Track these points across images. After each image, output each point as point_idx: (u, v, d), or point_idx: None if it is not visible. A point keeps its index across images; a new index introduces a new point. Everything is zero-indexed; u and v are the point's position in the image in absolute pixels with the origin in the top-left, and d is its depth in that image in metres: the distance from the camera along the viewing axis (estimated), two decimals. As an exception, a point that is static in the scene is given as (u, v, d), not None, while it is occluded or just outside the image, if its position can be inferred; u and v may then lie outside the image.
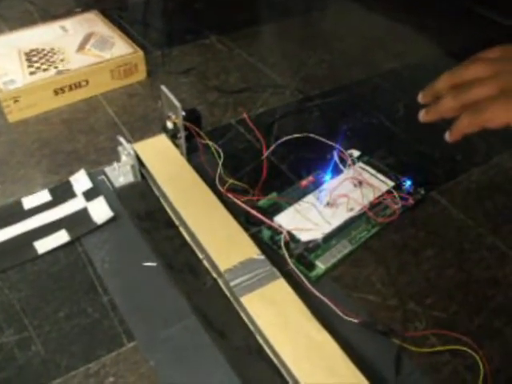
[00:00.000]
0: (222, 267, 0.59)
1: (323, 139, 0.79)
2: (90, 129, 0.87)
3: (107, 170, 0.77)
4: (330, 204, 0.71)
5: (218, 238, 0.62)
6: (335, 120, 0.88)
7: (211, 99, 0.93)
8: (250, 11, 1.26)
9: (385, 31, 1.14)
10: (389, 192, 0.73)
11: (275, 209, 0.71)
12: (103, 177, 0.76)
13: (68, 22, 1.06)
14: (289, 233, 0.66)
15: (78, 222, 0.69)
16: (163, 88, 0.74)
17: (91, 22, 1.06)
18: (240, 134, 0.84)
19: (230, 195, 0.69)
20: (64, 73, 0.91)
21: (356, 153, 0.80)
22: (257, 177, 0.74)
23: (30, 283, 0.63)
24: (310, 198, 0.72)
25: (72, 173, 0.77)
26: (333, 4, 1.28)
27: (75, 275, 0.64)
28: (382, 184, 0.74)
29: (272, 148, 0.78)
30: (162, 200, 0.71)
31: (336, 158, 0.77)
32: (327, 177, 0.75)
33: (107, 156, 0.81)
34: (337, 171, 0.76)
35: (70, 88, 0.91)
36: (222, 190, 0.70)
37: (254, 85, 0.96)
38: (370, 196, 0.72)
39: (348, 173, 0.76)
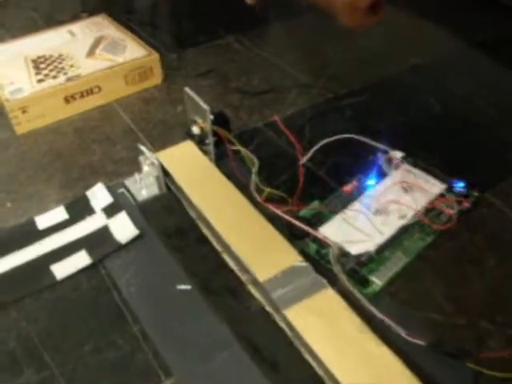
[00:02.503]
0: (261, 277, 0.52)
1: (367, 140, 0.71)
2: (106, 138, 0.80)
3: (128, 182, 0.69)
4: (379, 211, 0.63)
5: (257, 248, 0.55)
6: (369, 119, 0.80)
7: (235, 102, 0.86)
8: (262, 9, 1.19)
9: (406, 25, 1.07)
10: (441, 195, 0.66)
11: (319, 219, 0.63)
12: (123, 190, 0.69)
13: (76, 27, 1.00)
14: (338, 245, 0.59)
15: (99, 242, 0.62)
16: (187, 90, 0.67)
17: (100, 26, 0.99)
18: (270, 138, 0.77)
19: (269, 205, 0.62)
20: (74, 79, 0.84)
21: (399, 154, 0.72)
22: (294, 184, 0.66)
23: (49, 313, 0.56)
24: (356, 205, 0.65)
25: (88, 187, 0.70)
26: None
27: (99, 302, 0.56)
28: (432, 187, 0.67)
29: (311, 153, 0.70)
30: (192, 213, 0.63)
31: (381, 160, 0.70)
32: (372, 181, 0.68)
33: (126, 167, 0.74)
34: (381, 174, 0.69)
35: (82, 95, 0.84)
36: (259, 199, 0.62)
37: (278, 85, 0.89)
38: (422, 201, 0.65)
39: (395, 176, 0.68)
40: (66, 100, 0.83)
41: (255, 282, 0.53)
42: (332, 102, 0.84)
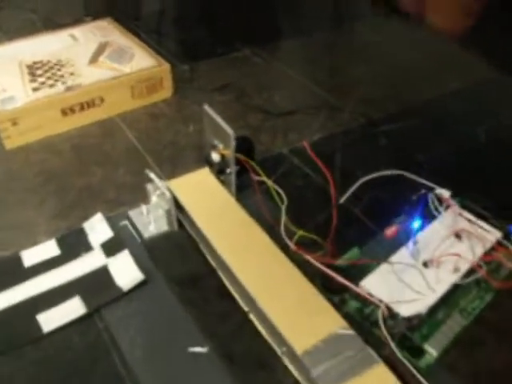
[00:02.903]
0: (298, 348, 0.42)
1: (412, 176, 0.62)
2: (107, 158, 0.70)
3: (132, 213, 0.59)
4: (429, 262, 0.54)
5: (291, 308, 0.45)
6: (408, 150, 0.71)
7: (254, 122, 0.76)
8: (278, 20, 1.10)
9: (437, 45, 0.98)
10: (499, 244, 0.56)
11: (359, 269, 0.53)
12: (127, 223, 0.59)
13: (78, 30, 0.90)
14: (386, 305, 0.49)
15: (96, 287, 0.52)
16: (207, 109, 0.57)
17: (105, 31, 0.90)
18: (296, 167, 0.67)
19: (302, 252, 0.51)
20: (74, 89, 0.74)
21: (446, 192, 0.62)
22: (328, 225, 0.56)
23: (29, 378, 0.45)
24: (401, 254, 0.55)
25: (86, 217, 0.60)
26: (368, 15, 1.12)
27: (95, 365, 0.46)
28: (487, 234, 0.57)
29: (349, 193, 0.61)
30: (209, 258, 0.53)
31: (426, 199, 0.60)
32: (417, 223, 0.58)
33: (130, 194, 0.63)
34: (426, 216, 0.59)
35: (82, 107, 0.74)
36: (291, 244, 0.52)
37: (303, 105, 0.80)
38: (478, 251, 0.55)
39: (444, 219, 0.59)
40: (64, 112, 0.73)
41: (290, 353, 0.43)
42: (365, 128, 0.75)
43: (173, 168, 0.67)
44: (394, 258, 0.54)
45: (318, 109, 0.79)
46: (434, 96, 0.83)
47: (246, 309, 0.48)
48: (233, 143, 0.54)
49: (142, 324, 0.49)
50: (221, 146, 0.57)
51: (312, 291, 0.47)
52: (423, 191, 0.62)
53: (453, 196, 0.62)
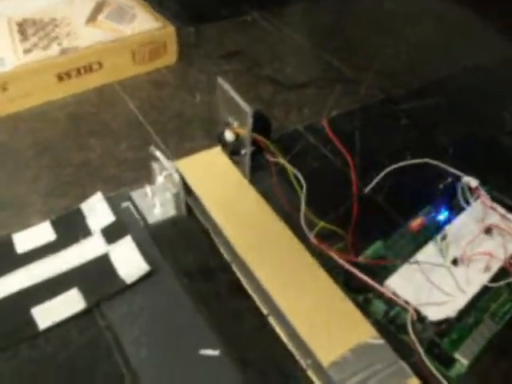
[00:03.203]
0: (325, 359, 0.38)
1: (439, 163, 0.57)
2: (106, 129, 0.64)
3: (135, 195, 0.54)
4: (458, 260, 0.49)
5: (314, 312, 0.41)
6: (431, 132, 0.66)
7: (266, 95, 0.70)
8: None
9: (460, 15, 0.92)
10: (531, 241, 0.52)
11: (383, 265, 0.49)
12: (129, 204, 0.54)
13: (73, -15, 0.82)
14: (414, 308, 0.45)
15: (96, 278, 0.47)
16: (221, 82, 0.51)
17: (103, -14, 0.82)
18: (312, 146, 0.62)
19: (324, 247, 0.47)
20: (70, 52, 0.68)
21: (473, 181, 0.58)
22: (349, 214, 0.52)
23: (26, 378, 0.41)
24: (429, 249, 0.50)
25: (84, 196, 0.55)
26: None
27: (96, 366, 0.42)
28: (518, 228, 0.53)
29: (374, 183, 0.56)
30: (222, 250, 0.48)
31: (454, 188, 0.56)
32: (443, 215, 0.54)
33: (132, 172, 0.58)
34: (453, 207, 0.55)
35: (78, 72, 0.68)
36: (311, 237, 0.48)
37: (317, 78, 0.74)
38: (510, 248, 0.51)
39: (473, 211, 0.54)
40: (59, 77, 0.67)
41: (315, 364, 0.39)
42: (385, 106, 0.70)
43: (179, 142, 0.62)
44: (421, 253, 0.50)
45: (332, 81, 0.73)
46: (459, 72, 0.77)
47: (264, 311, 0.43)
48: (250, 121, 0.49)
49: (147, 321, 0.44)
50: (235, 124, 0.52)
51: (337, 293, 0.43)
52: (450, 179, 0.58)
53: (481, 185, 0.57)
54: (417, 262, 0.49)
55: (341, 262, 0.46)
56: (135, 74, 0.73)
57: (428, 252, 0.50)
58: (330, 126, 0.59)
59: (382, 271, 0.48)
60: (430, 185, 0.57)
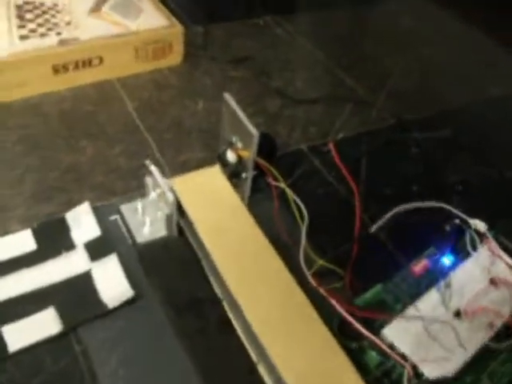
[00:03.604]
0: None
1: (450, 207, 0.54)
2: (101, 131, 0.60)
3: (124, 208, 0.51)
4: (461, 313, 0.47)
5: (303, 360, 0.38)
6: (441, 167, 0.63)
7: (272, 108, 0.67)
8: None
9: (480, 41, 0.89)
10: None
11: (381, 311, 0.46)
12: (117, 218, 0.50)
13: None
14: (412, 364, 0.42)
15: (75, 299, 0.44)
16: (228, 98, 0.48)
17: (111, -26, 0.78)
18: (317, 171, 0.59)
19: (321, 289, 0.44)
20: (70, 43, 0.64)
21: (481, 225, 0.55)
22: (349, 251, 0.49)
23: (-12, 407, 0.38)
24: (431, 297, 0.48)
25: (69, 203, 0.51)
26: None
27: (65, 399, 0.39)
28: (524, 280, 0.50)
29: (381, 222, 0.53)
30: (212, 281, 0.45)
31: (462, 232, 0.53)
32: (448, 259, 0.51)
33: (123, 181, 0.55)
34: (459, 251, 0.52)
35: (76, 66, 0.64)
36: (308, 275, 0.45)
37: (328, 94, 0.71)
38: (514, 302, 0.48)
39: (480, 258, 0.52)
40: (55, 70, 0.63)
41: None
42: (395, 132, 0.66)
43: (176, 153, 0.58)
44: (422, 301, 0.47)
45: (343, 100, 0.70)
46: (474, 100, 0.74)
47: (254, 358, 0.40)
48: (255, 145, 0.46)
49: (126, 353, 0.41)
50: (239, 145, 0.48)
51: (330, 343, 0.40)
52: (457, 221, 0.55)
53: (490, 229, 0.55)
54: (417, 312, 0.46)
55: (336, 305, 0.43)
56: (137, 72, 0.69)
57: (430, 300, 0.47)
58: (336, 151, 0.56)
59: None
60: (436, 225, 0.54)
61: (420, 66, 0.79)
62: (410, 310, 0.46)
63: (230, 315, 0.43)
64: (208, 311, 0.44)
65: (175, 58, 0.71)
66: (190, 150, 0.59)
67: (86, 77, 0.66)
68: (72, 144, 0.58)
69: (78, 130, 0.60)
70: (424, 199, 0.56)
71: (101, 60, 0.66)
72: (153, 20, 0.70)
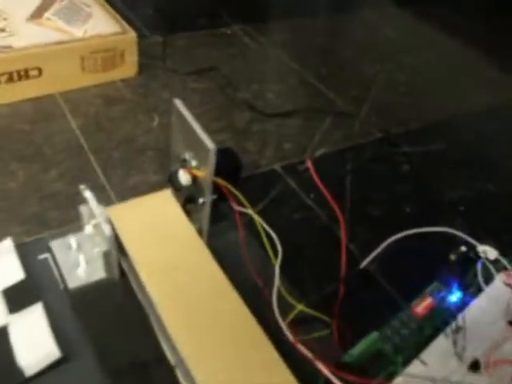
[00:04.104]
0: None
1: (463, 235, 0.45)
2: (36, 152, 0.51)
3: (55, 245, 0.41)
4: (477, 365, 0.37)
5: None
6: (434, 182, 0.54)
7: (240, 123, 0.58)
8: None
9: (466, 52, 0.81)
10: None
11: (379, 366, 0.36)
12: (47, 257, 0.40)
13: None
14: None
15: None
16: (178, 104, 0.39)
17: (58, -20, 0.69)
18: (292, 193, 0.50)
19: (300, 347, 0.34)
20: (4, 51, 0.55)
21: (492, 252, 0.46)
22: (335, 292, 0.39)
23: None
24: (439, 345, 0.38)
25: (-11, 239, 0.41)
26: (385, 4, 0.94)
27: None
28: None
29: (371, 257, 0.44)
30: (161, 340, 0.35)
31: (479, 264, 0.44)
32: (454, 297, 0.42)
33: (58, 211, 0.45)
34: (466, 284, 0.43)
35: (10, 78, 0.55)
36: (284, 327, 0.35)
37: (304, 107, 0.62)
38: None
39: (493, 294, 0.42)
40: (-16, 83, 0.54)
41: None
42: (382, 147, 0.58)
43: (124, 176, 0.49)
44: (429, 352, 0.38)
45: (321, 113, 0.61)
46: (459, 112, 0.66)
47: None
48: (212, 162, 0.36)
49: None
50: (193, 163, 0.39)
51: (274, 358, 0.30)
52: (463, 248, 0.46)
53: (502, 255, 0.46)
54: (424, 367, 0.36)
55: (322, 370, 0.33)
56: (83, 86, 0.60)
57: (438, 350, 0.38)
58: (315, 169, 0.47)
59: (376, 371, 0.36)
60: (437, 255, 0.45)
61: (404, 76, 0.71)
62: (416, 366, 0.36)
63: (180, 377, 0.33)
64: (154, 377, 0.34)
65: (129, 69, 0.62)
66: (141, 171, 0.49)
67: (23, 91, 0.56)
68: (1, 167, 0.48)
69: (8, 151, 0.50)
70: (419, 222, 0.47)
71: (40, 71, 0.56)
72: (102, 26, 0.61)
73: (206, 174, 0.37)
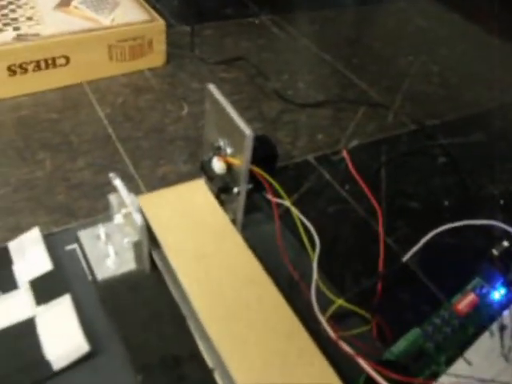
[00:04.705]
0: None
1: (506, 226, 0.43)
2: (64, 141, 0.50)
3: (83, 235, 0.40)
4: (527, 365, 0.35)
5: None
6: (474, 177, 0.52)
7: (271, 113, 0.56)
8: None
9: (503, 46, 0.79)
10: None
11: (422, 364, 0.35)
12: (75, 247, 0.39)
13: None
14: None
15: (11, 357, 0.33)
16: (212, 89, 0.37)
17: (85, -32, 0.68)
18: (326, 185, 0.48)
19: (341, 343, 0.32)
20: (29, 39, 0.54)
21: (536, 246, 0.44)
22: (373, 287, 0.38)
23: None
24: (483, 344, 0.36)
25: (18, 228, 0.40)
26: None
27: None
28: None
29: (411, 253, 0.42)
30: (195, 335, 0.34)
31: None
32: (498, 294, 0.40)
33: (87, 200, 0.44)
34: (510, 282, 0.41)
35: (38, 67, 0.54)
36: (323, 321, 0.33)
37: (336, 97, 0.60)
38: None
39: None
40: (11, 71, 0.53)
41: None
42: (416, 138, 0.56)
43: (153, 166, 0.48)
44: (473, 350, 0.36)
45: (354, 103, 0.59)
46: (498, 104, 0.64)
47: None
48: (248, 149, 0.35)
49: None
50: (228, 151, 0.37)
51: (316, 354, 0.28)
52: (506, 243, 0.44)
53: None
54: (469, 367, 0.34)
55: (363, 365, 0.32)
56: (111, 75, 0.59)
57: (483, 349, 0.36)
58: (351, 160, 0.45)
59: (418, 370, 0.34)
60: (480, 249, 0.43)
61: (438, 67, 0.69)
62: (460, 366, 0.34)
63: (218, 379, 0.31)
64: (187, 373, 0.32)
65: (157, 58, 0.61)
66: (171, 161, 0.48)
67: (50, 80, 0.55)
68: (27, 156, 0.47)
69: (35, 140, 0.49)
70: (458, 216, 0.45)
71: (67, 60, 0.55)
72: (130, 14, 0.60)
73: (241, 161, 0.36)
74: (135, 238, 0.35)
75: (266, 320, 0.31)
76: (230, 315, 0.31)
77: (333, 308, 0.34)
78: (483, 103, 0.63)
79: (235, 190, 0.37)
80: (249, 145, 0.34)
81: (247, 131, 0.34)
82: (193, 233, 0.36)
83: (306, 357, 0.30)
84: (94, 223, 0.40)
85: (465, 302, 0.39)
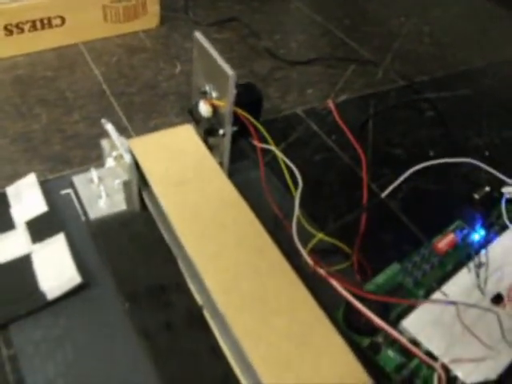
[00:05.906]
0: None
1: (480, 163, 0.44)
2: (59, 97, 0.51)
3: (77, 180, 0.41)
4: (501, 299, 0.37)
5: (294, 358, 0.28)
6: (460, 129, 0.53)
7: (262, 71, 0.57)
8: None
9: (495, 9, 0.79)
10: None
11: (400, 298, 0.36)
12: (70, 192, 0.41)
13: None
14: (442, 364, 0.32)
15: (9, 288, 0.35)
16: (198, 36, 0.38)
17: None
18: (314, 135, 0.49)
19: (321, 272, 0.34)
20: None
21: (514, 189, 0.45)
22: (354, 223, 0.39)
23: None
24: (461, 279, 0.38)
25: (15, 175, 0.42)
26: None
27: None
28: None
29: (391, 188, 0.43)
30: (182, 267, 0.35)
31: (503, 201, 0.43)
32: (477, 235, 0.41)
33: (81, 149, 0.46)
34: (489, 225, 0.42)
35: (34, 27, 0.55)
36: (304, 254, 0.35)
37: (326, 55, 0.61)
38: None
39: (519, 231, 0.42)
40: (8, 30, 0.54)
41: None
42: (405, 93, 0.57)
43: (145, 119, 0.49)
44: (451, 285, 0.37)
45: (344, 60, 0.60)
46: (486, 63, 0.64)
47: (231, 363, 0.30)
48: (232, 90, 0.36)
49: (67, 355, 0.32)
50: (214, 94, 0.39)
51: (334, 341, 0.30)
52: (487, 188, 0.45)
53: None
54: (443, 293, 0.36)
55: (342, 292, 0.33)
56: (106, 36, 0.60)
57: (460, 283, 0.37)
58: (338, 111, 0.46)
59: (397, 305, 0.36)
60: (461, 194, 0.44)
61: (429, 28, 0.70)
62: (437, 296, 0.36)
63: (205, 311, 0.33)
64: (174, 302, 0.34)
65: (150, 19, 0.62)
66: (163, 114, 0.49)
67: (46, 40, 0.57)
68: (23, 111, 0.49)
69: (32, 96, 0.51)
70: (443, 165, 0.46)
71: (63, 20, 0.57)
72: (123, -24, 0.60)
73: (226, 102, 0.37)
74: (125, 177, 0.37)
75: (240, 238, 0.33)
76: (206, 234, 0.33)
77: (314, 241, 0.36)
78: (473, 62, 0.64)
79: (221, 131, 0.39)
80: (232, 85, 0.36)
81: (230, 72, 0.35)
82: (182, 174, 0.37)
83: (276, 270, 0.32)
84: (87, 170, 0.42)
85: (445, 242, 0.40)
